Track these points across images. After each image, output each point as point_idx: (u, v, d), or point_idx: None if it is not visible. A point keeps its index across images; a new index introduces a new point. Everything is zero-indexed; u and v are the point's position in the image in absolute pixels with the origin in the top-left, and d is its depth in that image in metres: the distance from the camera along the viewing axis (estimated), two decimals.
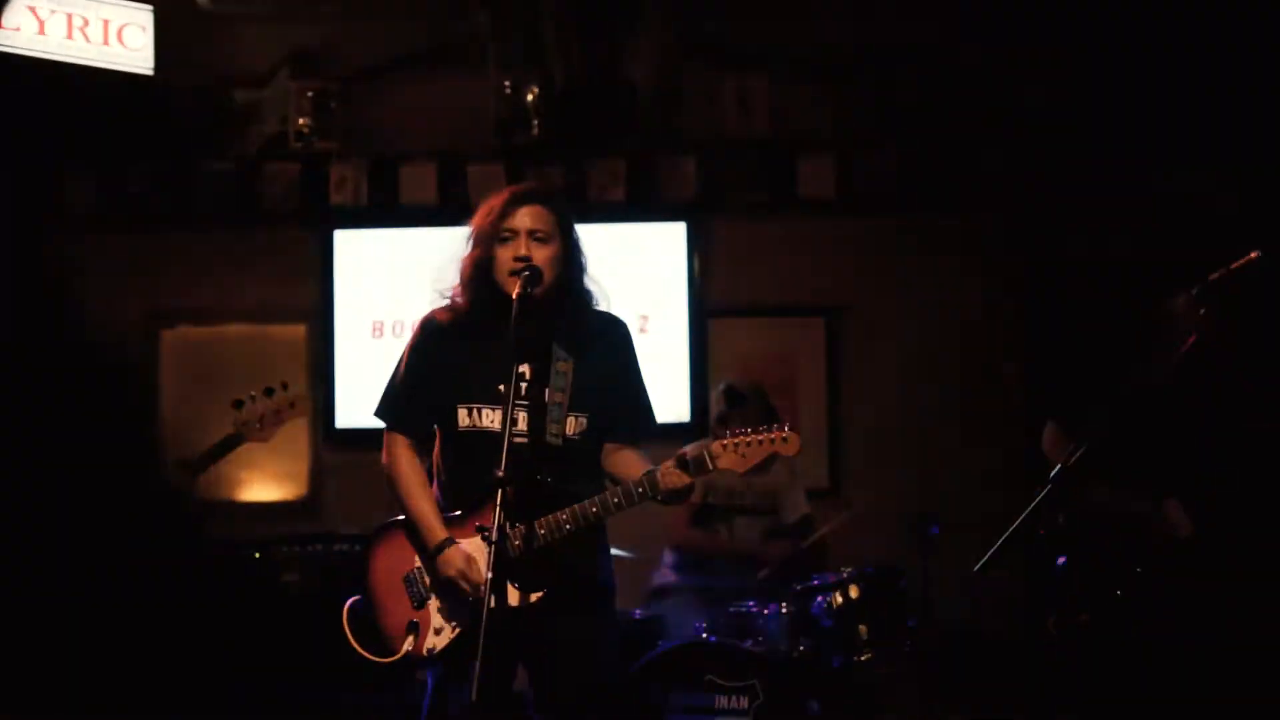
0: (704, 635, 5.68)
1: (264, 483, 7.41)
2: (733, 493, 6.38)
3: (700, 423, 6.98)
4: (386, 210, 7.48)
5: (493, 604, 3.73)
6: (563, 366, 4.12)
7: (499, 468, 3.76)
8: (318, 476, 7.44)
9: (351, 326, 7.48)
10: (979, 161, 7.43)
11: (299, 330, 7.55)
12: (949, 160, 7.44)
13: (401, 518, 4.27)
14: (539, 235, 4.08)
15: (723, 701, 5.49)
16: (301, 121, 7.44)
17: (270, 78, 7.52)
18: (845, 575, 5.81)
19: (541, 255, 4.08)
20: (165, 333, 7.49)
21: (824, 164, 7.47)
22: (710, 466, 3.95)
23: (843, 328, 7.53)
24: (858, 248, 7.53)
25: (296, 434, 7.42)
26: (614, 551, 5.90)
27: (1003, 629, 7.00)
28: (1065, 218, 7.25)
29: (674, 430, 6.67)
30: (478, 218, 4.19)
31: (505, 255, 4.08)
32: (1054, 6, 7.04)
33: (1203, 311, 3.53)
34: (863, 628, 5.75)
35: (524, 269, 4.04)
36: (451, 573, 4.06)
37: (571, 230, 4.18)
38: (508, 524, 3.98)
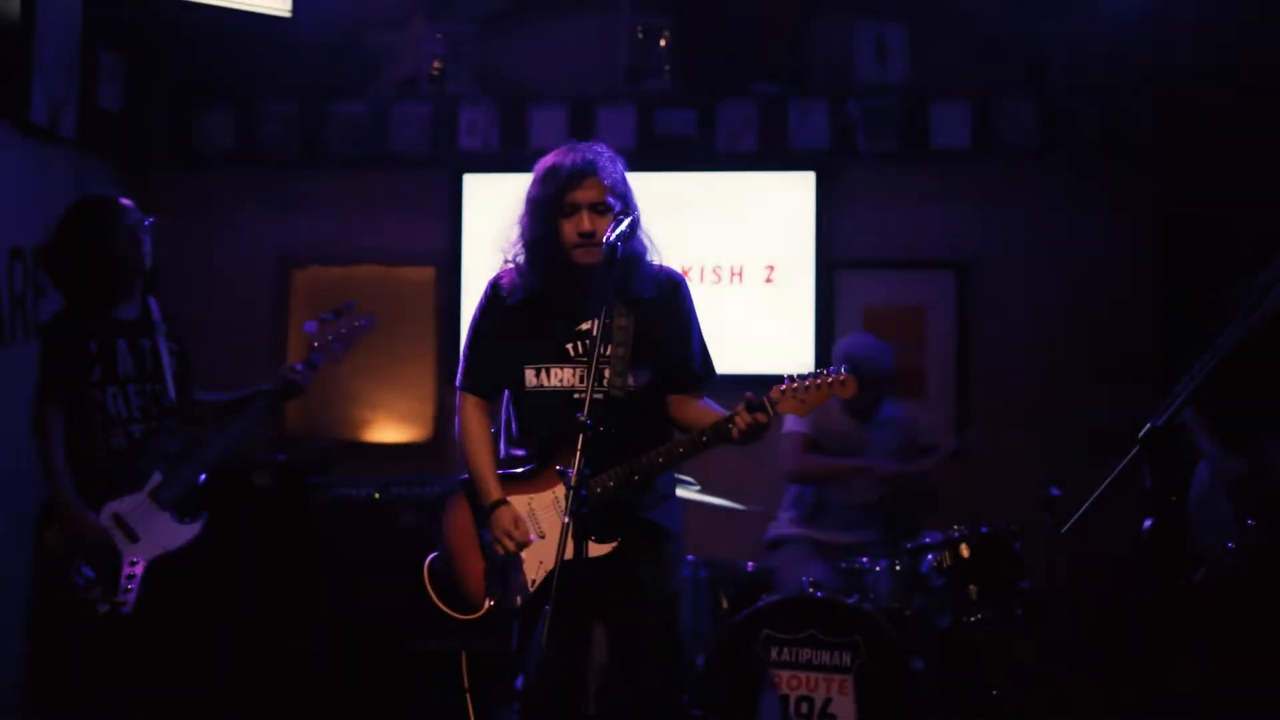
0: (810, 590, 5.63)
1: (389, 424, 7.48)
2: (849, 439, 6.31)
3: None
4: (516, 154, 7.47)
5: (570, 554, 3.78)
6: (622, 322, 4.23)
7: (583, 414, 3.84)
8: (441, 419, 7.48)
9: (480, 270, 7.47)
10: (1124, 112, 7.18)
11: (428, 273, 7.58)
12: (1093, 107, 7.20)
13: None
14: (600, 207, 4.21)
15: (824, 657, 5.44)
16: (435, 65, 7.47)
17: (404, 20, 7.54)
18: (957, 533, 5.72)
19: (603, 225, 4.18)
20: (295, 272, 7.58)
21: (959, 112, 7.28)
22: (771, 411, 4.05)
23: (973, 281, 7.34)
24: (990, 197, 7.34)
25: (422, 376, 7.50)
26: (728, 504, 5.90)
27: (1105, 590, 6.78)
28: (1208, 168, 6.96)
29: None
30: (535, 187, 4.29)
31: (569, 229, 4.21)
32: None
33: None
34: (973, 588, 5.66)
35: (586, 243, 4.19)
36: (497, 532, 4.20)
37: (628, 192, 4.30)
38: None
